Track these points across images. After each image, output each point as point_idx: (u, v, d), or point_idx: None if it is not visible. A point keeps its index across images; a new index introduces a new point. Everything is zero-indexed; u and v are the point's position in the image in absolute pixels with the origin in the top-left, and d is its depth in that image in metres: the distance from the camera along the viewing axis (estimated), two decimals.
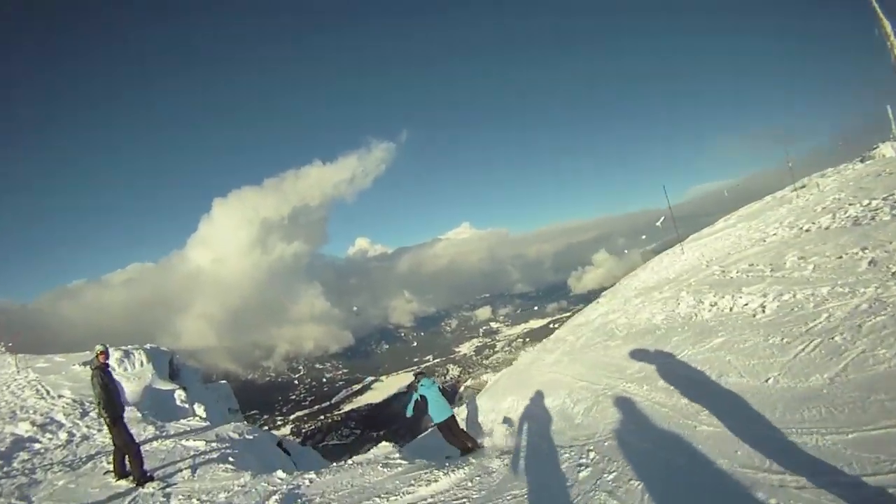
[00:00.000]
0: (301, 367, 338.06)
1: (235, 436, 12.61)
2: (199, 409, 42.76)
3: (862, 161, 25.22)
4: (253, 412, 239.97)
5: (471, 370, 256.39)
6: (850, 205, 15.03)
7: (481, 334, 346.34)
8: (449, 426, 10.12)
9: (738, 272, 12.98)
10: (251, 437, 13.09)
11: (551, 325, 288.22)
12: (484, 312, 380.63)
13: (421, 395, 10.21)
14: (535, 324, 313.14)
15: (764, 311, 9.46)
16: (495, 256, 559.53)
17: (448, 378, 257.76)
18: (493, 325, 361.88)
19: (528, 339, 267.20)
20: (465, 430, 10.83)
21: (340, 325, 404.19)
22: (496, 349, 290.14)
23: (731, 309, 10.55)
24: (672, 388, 7.73)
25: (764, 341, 7.93)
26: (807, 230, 14.54)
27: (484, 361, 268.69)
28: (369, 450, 12.39)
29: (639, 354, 10.47)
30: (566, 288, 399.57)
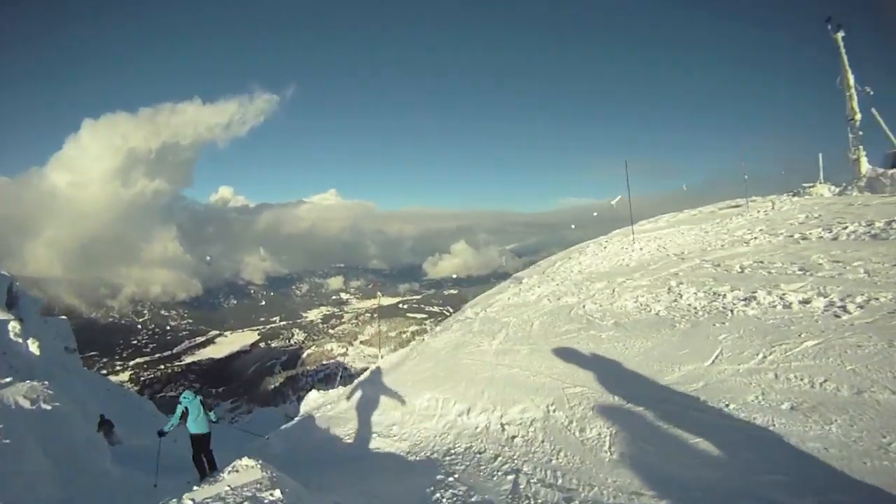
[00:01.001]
0: (146, 312, 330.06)
1: (26, 404, 9.45)
2: (33, 346, 57.83)
3: (796, 195, 24.19)
4: (92, 353, 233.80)
5: (316, 337, 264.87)
6: (840, 223, 13.78)
7: (330, 303, 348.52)
8: (202, 442, 10.45)
9: (747, 269, 11.26)
10: (48, 406, 9.85)
11: (400, 305, 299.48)
12: (336, 282, 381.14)
13: (185, 407, 10.55)
14: (385, 301, 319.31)
15: (848, 312, 7.40)
16: (357, 228, 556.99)
17: (293, 342, 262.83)
18: (344, 295, 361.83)
19: (374, 315, 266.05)
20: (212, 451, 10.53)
21: (191, 272, 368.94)
22: (343, 320, 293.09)
23: (785, 306, 8.33)
24: (804, 410, 5.33)
25: (889, 346, 6.01)
26: (803, 238, 13.20)
27: (330, 331, 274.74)
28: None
29: (679, 355, 7.72)
30: (421, 271, 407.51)
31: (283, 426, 15.66)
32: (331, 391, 17.40)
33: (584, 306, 12.27)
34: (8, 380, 10.79)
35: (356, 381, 15.88)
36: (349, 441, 10.91)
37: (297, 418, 15.96)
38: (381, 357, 18.88)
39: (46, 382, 11.48)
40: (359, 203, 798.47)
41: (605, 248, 20.91)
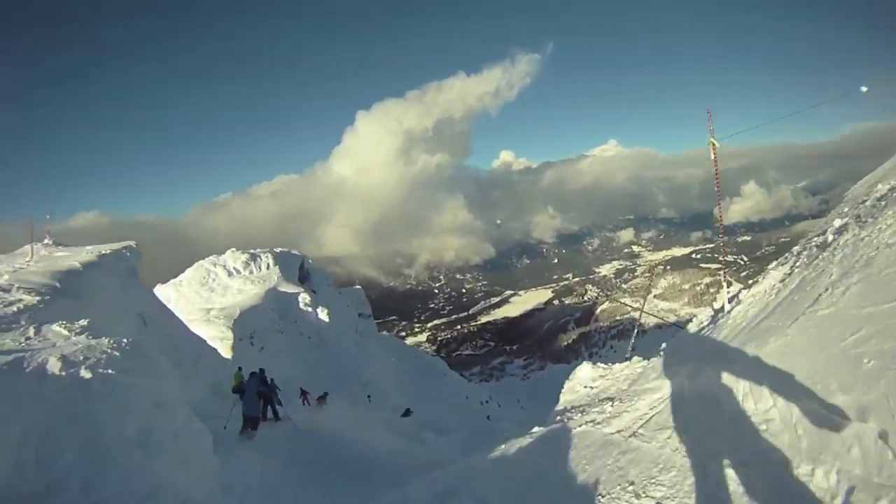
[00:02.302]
0: (441, 277, 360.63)
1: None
2: (323, 314, 67.62)
3: None
4: (392, 318, 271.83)
5: (608, 292, 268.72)
6: None
7: (622, 256, 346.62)
8: (248, 421, 12.60)
9: None
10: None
11: (693, 256, 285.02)
12: (626, 234, 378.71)
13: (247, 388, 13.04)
14: (678, 252, 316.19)
15: None
16: (641, 177, 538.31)
17: (586, 299, 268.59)
18: (635, 248, 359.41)
19: (668, 267, 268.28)
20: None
21: (482, 237, 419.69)
22: (636, 273, 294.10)
23: None
24: None
25: None
26: None
27: (623, 285, 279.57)
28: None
29: None
30: (711, 218, 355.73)
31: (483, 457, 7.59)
32: (615, 366, 10.64)
33: None
34: None
35: (668, 349, 8.27)
36: None
37: (539, 430, 8.03)
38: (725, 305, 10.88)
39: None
40: (640, 150, 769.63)
41: None
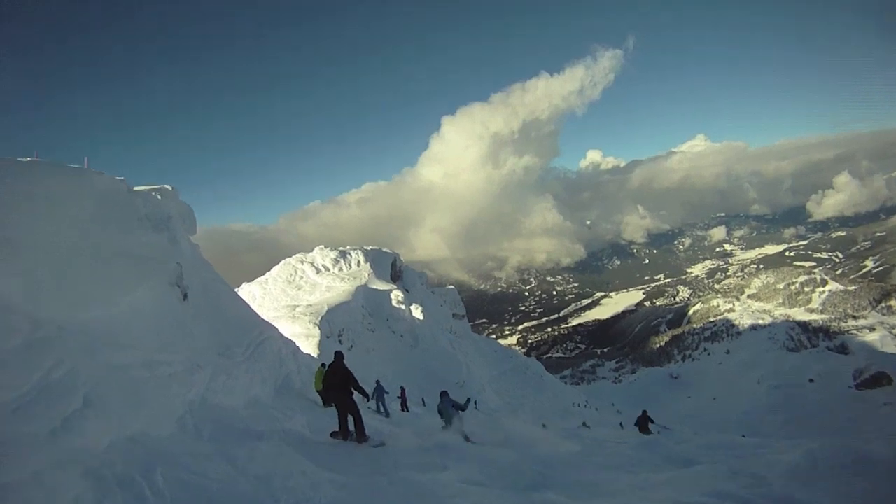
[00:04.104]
0: (532, 280, 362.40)
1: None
2: (417, 311, 63.72)
3: None
4: (483, 321, 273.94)
5: (701, 293, 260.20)
6: None
7: (714, 256, 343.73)
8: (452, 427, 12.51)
9: None
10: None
11: (786, 254, 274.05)
12: (718, 233, 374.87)
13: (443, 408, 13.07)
14: (771, 249, 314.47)
15: None
16: (732, 172, 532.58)
17: (678, 300, 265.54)
18: (727, 246, 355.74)
19: (761, 266, 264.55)
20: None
21: (573, 238, 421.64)
22: (728, 273, 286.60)
23: None
24: None
25: None
26: None
27: (715, 285, 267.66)
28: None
29: None
30: (804, 212, 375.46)
31: None
32: None
33: None
34: None
35: None
36: None
37: None
38: None
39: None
40: (728, 145, 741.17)
41: None
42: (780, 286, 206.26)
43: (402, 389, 24.81)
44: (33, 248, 7.79)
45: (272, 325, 18.02)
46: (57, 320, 6.56)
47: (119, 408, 5.67)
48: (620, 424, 50.85)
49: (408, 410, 23.17)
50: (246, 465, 5.65)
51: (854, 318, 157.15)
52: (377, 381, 19.24)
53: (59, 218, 9.29)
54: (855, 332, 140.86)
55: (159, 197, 13.98)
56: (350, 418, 9.29)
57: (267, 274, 72.77)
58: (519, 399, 64.64)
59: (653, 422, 23.13)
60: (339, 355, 9.79)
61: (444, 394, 14.54)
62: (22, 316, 5.94)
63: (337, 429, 9.39)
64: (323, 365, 16.40)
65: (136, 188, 13.78)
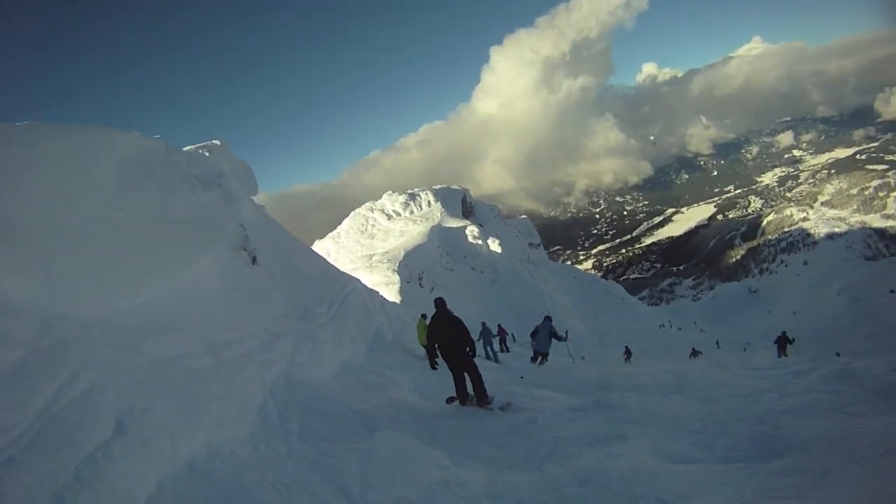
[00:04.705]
0: (601, 202, 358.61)
1: None
2: (494, 244, 62.26)
3: None
4: (556, 248, 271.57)
5: (773, 203, 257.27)
6: None
7: (783, 163, 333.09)
8: (543, 357, 14.52)
9: None
10: None
11: (857, 157, 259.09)
12: (785, 138, 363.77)
13: (541, 329, 14.46)
14: (841, 153, 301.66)
15: None
16: (793, 74, 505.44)
17: (750, 211, 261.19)
18: (796, 152, 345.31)
19: (832, 171, 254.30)
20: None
21: (638, 155, 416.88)
22: (799, 180, 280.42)
23: None
24: None
25: None
26: None
27: (787, 194, 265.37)
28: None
29: None
30: (873, 112, 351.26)
31: None
32: None
33: None
34: None
35: None
36: None
37: None
38: None
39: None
40: (787, 46, 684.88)
41: None
42: (854, 192, 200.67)
43: (500, 328, 22.97)
44: (40, 231, 6.19)
45: (354, 278, 16.60)
46: (81, 317, 5.03)
47: (171, 421, 4.09)
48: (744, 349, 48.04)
49: (508, 350, 21.40)
50: (363, 488, 3.87)
51: None
52: (483, 323, 17.96)
53: (74, 188, 7.59)
54: None
55: (207, 154, 12.41)
56: (467, 378, 7.60)
57: (338, 227, 72.68)
58: (605, 324, 62.68)
59: (791, 342, 22.04)
60: (441, 302, 8.02)
61: (547, 318, 15.14)
62: (25, 319, 4.40)
63: (453, 393, 7.78)
64: (423, 316, 14.63)
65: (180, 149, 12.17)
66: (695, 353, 34.14)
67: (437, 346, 7.93)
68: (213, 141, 13.33)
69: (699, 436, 4.98)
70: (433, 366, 11.95)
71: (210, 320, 7.39)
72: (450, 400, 7.87)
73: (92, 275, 6.26)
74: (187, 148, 12.86)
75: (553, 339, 14.44)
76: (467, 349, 7.59)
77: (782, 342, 21.96)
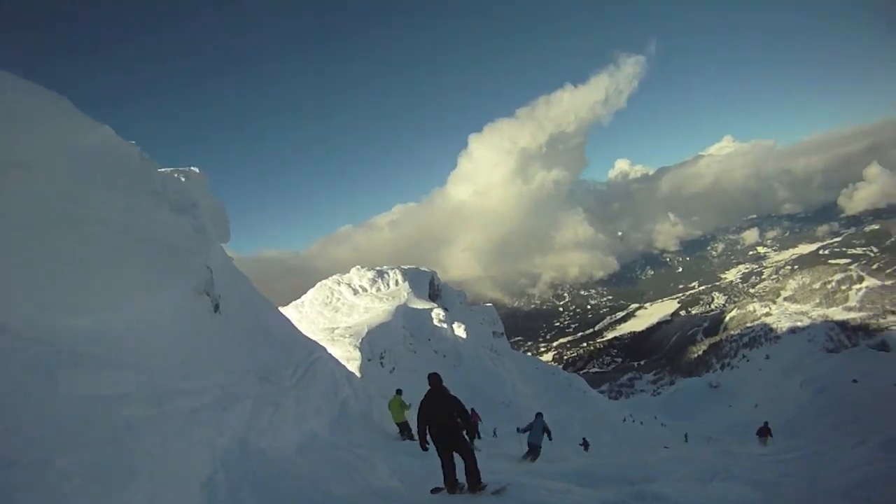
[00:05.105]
0: (566, 294, 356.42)
1: None
2: (459, 329, 60.80)
3: None
4: (517, 338, 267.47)
5: (736, 299, 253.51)
6: None
7: (748, 259, 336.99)
8: (536, 451, 14.17)
9: None
10: None
11: (820, 252, 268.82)
12: (751, 235, 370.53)
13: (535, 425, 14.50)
14: (805, 249, 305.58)
15: None
16: (761, 172, 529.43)
17: (713, 307, 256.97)
18: (761, 249, 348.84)
19: (796, 267, 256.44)
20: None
21: (605, 250, 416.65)
22: (763, 276, 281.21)
23: None
24: None
25: None
26: None
27: (750, 290, 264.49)
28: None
29: None
30: (836, 208, 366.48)
31: None
32: None
33: None
34: None
35: None
36: None
37: None
38: None
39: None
40: (756, 144, 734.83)
41: None
42: (817, 286, 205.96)
43: (473, 412, 21.08)
44: None
45: (320, 345, 15.23)
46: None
47: (80, 487, 2.74)
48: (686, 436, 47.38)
49: (479, 437, 19.74)
50: None
51: (893, 313, 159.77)
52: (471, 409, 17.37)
53: (17, 159, 6.32)
54: (894, 328, 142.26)
55: (183, 179, 11.26)
56: (457, 461, 6.97)
57: (303, 297, 70.54)
58: (566, 416, 60.98)
59: (770, 434, 23.37)
60: (437, 378, 7.35)
61: (539, 415, 14.98)
62: None
63: (434, 478, 7.17)
64: (399, 392, 13.89)
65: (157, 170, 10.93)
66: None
67: (428, 424, 7.17)
68: (192, 168, 12.14)
69: None
70: (423, 447, 10.69)
71: (159, 362, 6.01)
72: (435, 490, 7.20)
73: (33, 276, 4.91)
74: (163, 169, 11.58)
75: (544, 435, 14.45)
76: (465, 431, 6.99)
77: (764, 432, 23.07)
